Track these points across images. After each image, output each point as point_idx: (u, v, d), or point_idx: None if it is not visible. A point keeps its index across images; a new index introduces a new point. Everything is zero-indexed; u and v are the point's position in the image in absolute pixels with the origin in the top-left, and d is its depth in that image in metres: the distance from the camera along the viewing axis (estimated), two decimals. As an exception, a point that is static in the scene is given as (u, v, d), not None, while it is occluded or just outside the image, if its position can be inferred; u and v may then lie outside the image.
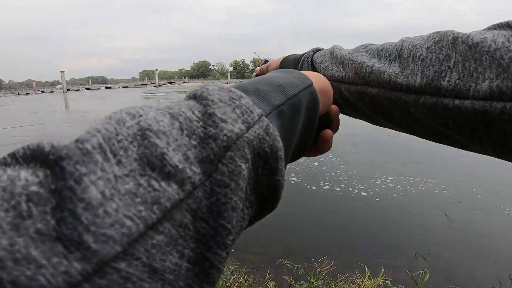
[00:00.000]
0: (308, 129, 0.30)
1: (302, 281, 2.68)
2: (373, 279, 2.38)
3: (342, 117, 0.41)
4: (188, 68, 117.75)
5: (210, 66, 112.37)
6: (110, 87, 65.41)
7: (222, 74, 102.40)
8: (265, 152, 0.19)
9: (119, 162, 0.14)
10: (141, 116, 0.16)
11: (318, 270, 2.86)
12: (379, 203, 6.04)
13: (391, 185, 6.93)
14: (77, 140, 0.14)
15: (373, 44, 0.38)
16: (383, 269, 2.38)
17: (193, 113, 0.18)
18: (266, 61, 0.69)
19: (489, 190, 6.67)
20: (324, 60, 0.45)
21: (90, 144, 0.14)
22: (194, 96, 0.20)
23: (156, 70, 72.41)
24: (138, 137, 0.15)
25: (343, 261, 3.69)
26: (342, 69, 0.40)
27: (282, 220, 4.85)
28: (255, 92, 0.23)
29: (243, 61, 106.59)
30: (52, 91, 52.34)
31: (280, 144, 0.20)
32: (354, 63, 0.37)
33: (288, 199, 5.74)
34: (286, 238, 4.49)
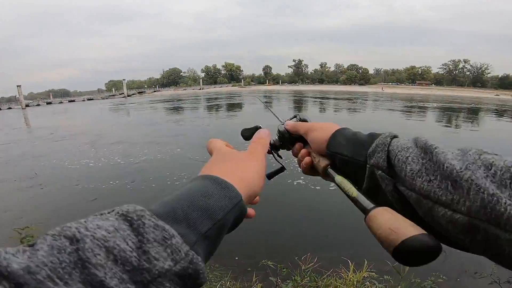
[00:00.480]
0: (232, 229, 0.34)
1: (287, 280, 2.70)
2: (358, 272, 2.43)
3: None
4: (158, 76, 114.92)
5: (181, 73, 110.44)
6: (73, 100, 61.69)
7: (194, 80, 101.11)
8: (189, 274, 0.24)
9: (66, 284, 0.18)
10: (78, 241, 0.20)
11: (303, 268, 2.90)
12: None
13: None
14: (29, 272, 0.18)
15: (488, 154, 0.29)
16: (366, 262, 2.46)
17: (127, 244, 0.22)
18: (300, 119, 0.62)
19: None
20: (411, 161, 0.33)
21: (41, 275, 0.18)
22: (130, 223, 0.23)
23: (124, 80, 69.43)
24: (79, 265, 0.19)
25: (327, 257, 3.75)
26: (449, 188, 0.29)
27: (263, 221, 4.85)
28: (185, 221, 0.26)
29: (214, 66, 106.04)
30: (10, 108, 48.20)
31: (201, 266, 0.25)
32: (479, 192, 0.26)
33: (265, 199, 5.75)
34: (269, 239, 4.49)
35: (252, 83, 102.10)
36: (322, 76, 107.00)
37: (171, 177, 6.93)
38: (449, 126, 18.36)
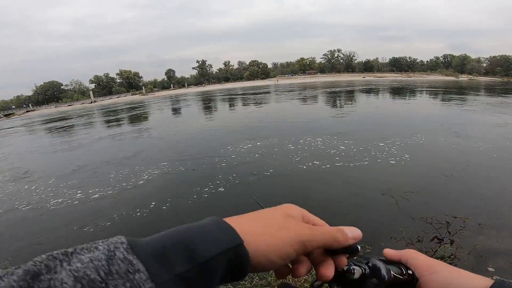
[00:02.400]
0: (230, 279, 0.29)
1: (260, 275, 2.68)
2: None
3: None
4: (30, 93, 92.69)
5: (62, 86, 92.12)
6: None
7: (82, 93, 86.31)
8: None
9: None
10: (56, 272, 0.21)
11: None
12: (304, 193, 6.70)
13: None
14: None
15: None
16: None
17: (98, 274, 0.21)
18: None
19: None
20: None
21: None
22: (107, 254, 0.23)
23: (-24, 102, 52.98)
24: None
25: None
26: None
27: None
28: (162, 257, 0.24)
29: (107, 75, 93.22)
30: None
31: None
32: None
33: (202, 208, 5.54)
34: None
35: (155, 89, 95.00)
36: (227, 75, 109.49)
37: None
38: (336, 107, 21.86)
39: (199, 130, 14.17)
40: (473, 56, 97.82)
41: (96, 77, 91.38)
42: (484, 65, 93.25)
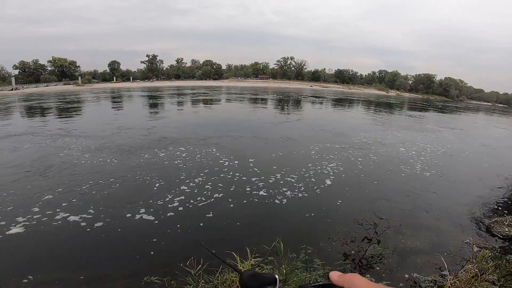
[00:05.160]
0: None
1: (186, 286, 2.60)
2: (246, 261, 2.64)
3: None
4: None
5: (-27, 69, 76.14)
6: None
7: (2, 79, 72.88)
8: None
9: None
10: None
11: (193, 273, 2.87)
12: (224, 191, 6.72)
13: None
14: None
15: None
16: (248, 250, 2.74)
17: None
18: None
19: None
20: None
21: None
22: None
23: None
24: None
25: (211, 255, 3.87)
26: None
27: (137, 237, 4.39)
28: None
29: (35, 61, 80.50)
30: None
31: None
32: None
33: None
34: (141, 253, 4.11)
35: (94, 80, 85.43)
36: (179, 72, 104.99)
37: None
38: (274, 114, 22.82)
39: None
40: (403, 73, 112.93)
41: (22, 62, 77.95)
42: (410, 82, 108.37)
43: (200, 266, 2.83)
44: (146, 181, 6.82)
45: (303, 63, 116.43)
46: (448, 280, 3.09)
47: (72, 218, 5.04)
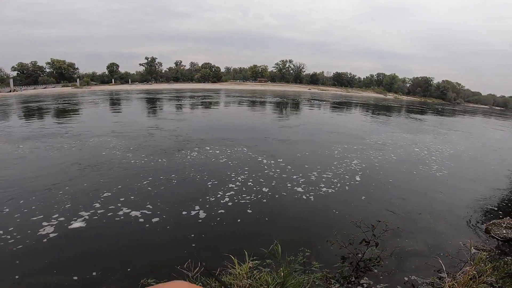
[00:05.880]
0: None
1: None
2: (244, 264, 2.61)
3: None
4: None
5: (-28, 71, 75.55)
6: None
7: (1, 80, 72.66)
8: None
9: None
10: None
11: (190, 275, 2.85)
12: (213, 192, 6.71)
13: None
14: None
15: None
16: (246, 253, 2.71)
17: None
18: None
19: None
20: None
21: None
22: None
23: None
24: None
25: (208, 258, 3.86)
26: None
27: (129, 240, 4.37)
28: None
29: (34, 63, 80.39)
30: None
31: None
32: None
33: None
34: (141, 255, 4.10)
35: (93, 82, 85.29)
36: (177, 74, 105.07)
37: None
38: (281, 117, 22.91)
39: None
40: (401, 76, 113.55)
41: (21, 64, 77.81)
42: (408, 85, 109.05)
43: (197, 269, 2.82)
44: (196, 178, 7.21)
45: (302, 66, 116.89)
46: (446, 282, 3.09)
47: (133, 213, 5.32)
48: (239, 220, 5.18)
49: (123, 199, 5.85)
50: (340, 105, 38.54)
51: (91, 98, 36.09)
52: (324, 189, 6.86)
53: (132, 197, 5.95)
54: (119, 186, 6.51)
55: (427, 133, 17.24)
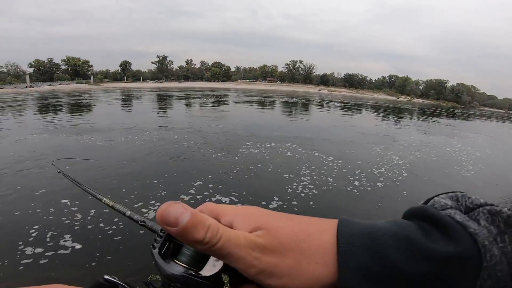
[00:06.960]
0: None
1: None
2: None
3: None
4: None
5: (-3, 68, 77.87)
6: None
7: (17, 76, 74.75)
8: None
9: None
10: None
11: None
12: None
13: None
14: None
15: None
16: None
17: None
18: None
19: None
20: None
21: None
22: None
23: None
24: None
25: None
26: None
27: (134, 237, 4.32)
28: None
29: (50, 60, 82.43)
30: None
31: None
32: None
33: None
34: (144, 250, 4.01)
35: (106, 80, 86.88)
36: (188, 73, 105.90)
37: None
38: (291, 117, 22.74)
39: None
40: (414, 78, 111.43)
41: (37, 61, 79.94)
42: (421, 87, 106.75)
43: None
44: (268, 170, 7.70)
45: (312, 66, 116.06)
46: None
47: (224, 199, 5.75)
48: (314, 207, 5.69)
49: (211, 185, 6.40)
50: (357, 107, 37.93)
51: (112, 95, 36.67)
52: (381, 183, 7.34)
53: (220, 186, 6.43)
54: (209, 176, 6.94)
55: (452, 136, 17.16)
